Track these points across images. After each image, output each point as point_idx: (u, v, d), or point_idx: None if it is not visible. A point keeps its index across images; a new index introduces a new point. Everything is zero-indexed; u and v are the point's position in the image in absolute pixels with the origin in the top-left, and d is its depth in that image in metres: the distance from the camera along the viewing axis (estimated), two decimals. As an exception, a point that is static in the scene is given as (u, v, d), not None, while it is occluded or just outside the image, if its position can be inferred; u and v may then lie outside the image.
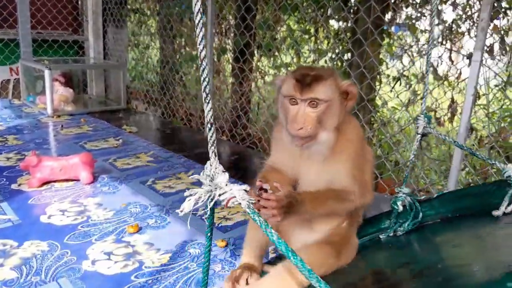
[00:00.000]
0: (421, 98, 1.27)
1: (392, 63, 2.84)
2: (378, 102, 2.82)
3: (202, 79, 0.65)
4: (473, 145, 2.48)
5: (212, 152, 0.69)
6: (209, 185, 0.70)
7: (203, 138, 3.14)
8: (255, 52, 3.62)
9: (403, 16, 2.95)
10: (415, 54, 2.75)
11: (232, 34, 3.97)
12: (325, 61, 3.04)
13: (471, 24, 2.68)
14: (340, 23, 3.14)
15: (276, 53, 3.53)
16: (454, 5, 2.73)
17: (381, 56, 2.90)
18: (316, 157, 1.03)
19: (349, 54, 2.95)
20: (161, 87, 4.25)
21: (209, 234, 0.80)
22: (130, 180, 2.15)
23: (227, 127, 3.49)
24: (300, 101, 0.99)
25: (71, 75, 4.03)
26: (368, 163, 1.08)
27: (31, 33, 4.03)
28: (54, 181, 2.04)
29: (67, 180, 2.06)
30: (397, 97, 2.51)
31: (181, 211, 0.73)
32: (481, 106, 2.48)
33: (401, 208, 1.18)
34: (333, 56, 3.05)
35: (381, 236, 1.21)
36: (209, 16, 3.04)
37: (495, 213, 1.13)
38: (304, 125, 0.96)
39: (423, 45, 2.73)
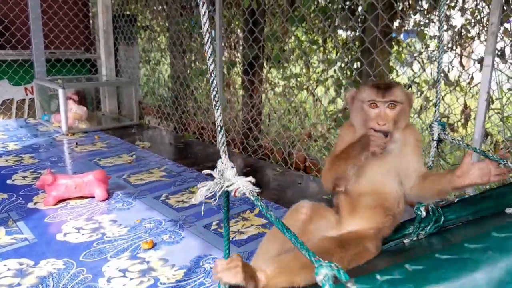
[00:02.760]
0: (434, 105, 1.31)
1: (402, 70, 2.83)
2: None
3: (211, 86, 0.78)
4: (489, 150, 2.44)
5: (223, 151, 0.80)
6: (219, 178, 0.80)
7: (215, 151, 3.16)
8: (264, 64, 3.64)
9: (411, 23, 2.94)
10: (425, 61, 2.73)
11: (241, 47, 4.00)
12: (334, 71, 3.04)
13: (481, 28, 2.66)
14: (348, 32, 3.14)
15: (286, 64, 3.54)
16: (463, 10, 2.71)
17: (390, 63, 2.88)
18: (386, 154, 1.16)
19: (359, 63, 2.94)
20: (172, 102, 4.29)
21: (227, 218, 0.88)
22: (144, 195, 2.16)
23: (239, 139, 3.50)
24: (380, 104, 1.14)
25: (85, 93, 4.11)
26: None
27: (45, 53, 4.12)
28: (69, 199, 2.07)
29: (82, 198, 2.09)
30: (409, 104, 2.48)
31: (194, 200, 0.82)
32: (495, 111, 2.44)
33: (424, 213, 1.21)
34: (342, 65, 3.05)
35: (405, 241, 1.23)
36: (218, 30, 3.07)
37: (508, 210, 1.14)
38: (387, 121, 1.11)
39: (433, 51, 2.72)
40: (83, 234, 1.72)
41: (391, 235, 1.23)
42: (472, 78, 2.58)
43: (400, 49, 2.98)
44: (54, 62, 4.28)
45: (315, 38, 3.27)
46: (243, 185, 0.79)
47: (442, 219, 1.22)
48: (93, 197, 2.09)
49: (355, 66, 2.94)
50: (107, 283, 1.37)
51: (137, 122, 4.05)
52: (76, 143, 3.22)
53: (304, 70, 3.39)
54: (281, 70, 3.57)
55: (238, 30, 4.06)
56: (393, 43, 2.94)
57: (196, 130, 4.01)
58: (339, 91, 2.91)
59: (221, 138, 0.80)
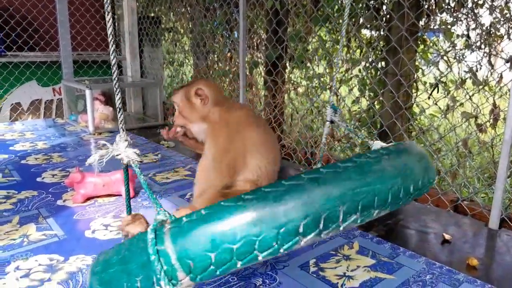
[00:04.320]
0: (330, 91, 1.62)
1: (429, 69, 2.78)
2: (416, 110, 2.77)
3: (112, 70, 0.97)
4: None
5: (121, 128, 1.01)
6: (112, 148, 1.00)
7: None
8: (287, 64, 3.63)
9: (438, 22, 2.89)
10: (452, 60, 2.68)
11: (263, 48, 4.01)
12: (359, 70, 3.01)
13: (511, 26, 2.59)
14: (373, 31, 3.11)
15: (308, 64, 3.53)
16: (491, 8, 2.65)
17: (416, 63, 2.84)
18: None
19: (383, 63, 2.91)
20: (195, 102, 4.32)
21: (127, 182, 1.14)
22: (170, 194, 2.19)
23: (262, 139, 3.50)
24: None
25: (110, 94, 4.18)
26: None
27: (72, 54, 4.21)
28: (97, 197, 2.11)
29: (109, 196, 2.13)
30: (436, 104, 2.45)
31: (87, 163, 1.05)
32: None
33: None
34: (367, 65, 3.02)
35: None
36: (241, 31, 3.09)
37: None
38: (175, 118, 1.41)
39: (460, 50, 2.67)
40: (111, 231, 1.76)
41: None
42: (501, 77, 2.52)
43: (426, 48, 2.93)
44: (81, 64, 4.38)
45: (339, 37, 3.24)
46: (129, 155, 0.97)
47: None
48: (120, 195, 2.13)
49: (379, 65, 2.91)
50: (135, 279, 1.40)
51: (161, 123, 4.10)
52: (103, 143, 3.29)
53: (327, 70, 3.37)
54: (304, 70, 3.56)
55: (261, 31, 4.07)
56: (419, 42, 2.90)
57: (219, 130, 4.03)
58: (363, 91, 2.89)
59: (120, 116, 1.00)
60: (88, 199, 2.09)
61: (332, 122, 1.47)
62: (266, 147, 1.38)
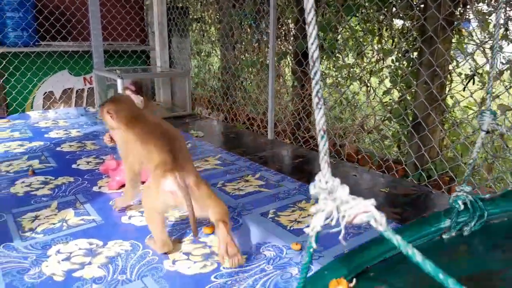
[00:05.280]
0: (487, 93, 1.22)
1: (464, 60, 2.71)
2: (449, 101, 2.71)
3: (313, 83, 0.58)
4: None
5: (325, 162, 0.57)
6: (332, 200, 0.57)
7: (265, 142, 3.17)
8: (317, 54, 3.60)
9: (474, 11, 2.81)
10: (488, 51, 2.61)
11: (292, 38, 3.98)
12: (392, 61, 2.96)
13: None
14: (405, 21, 3.05)
15: (338, 54, 3.49)
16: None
17: (451, 53, 2.78)
18: None
19: (415, 53, 2.85)
20: (223, 93, 4.35)
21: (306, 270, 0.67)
22: (201, 183, 2.21)
23: (289, 130, 3.50)
24: None
25: (141, 83, 4.23)
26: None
27: (103, 44, 4.28)
28: (131, 184, 2.15)
29: (143, 182, 2.16)
30: (471, 96, 2.39)
31: (312, 230, 0.58)
32: None
33: (462, 206, 1.11)
34: (399, 55, 2.97)
35: (444, 236, 1.13)
36: (271, 21, 3.07)
37: None
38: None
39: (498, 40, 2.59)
40: (146, 218, 1.79)
41: (424, 228, 1.14)
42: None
43: (462, 38, 2.86)
44: (111, 53, 4.45)
45: (371, 27, 3.20)
46: (372, 209, 0.54)
47: (486, 214, 1.12)
48: (154, 183, 2.16)
49: (412, 56, 2.86)
50: (172, 265, 1.43)
51: (189, 112, 4.14)
52: (133, 131, 3.34)
53: (358, 61, 3.33)
54: (333, 60, 3.53)
55: (290, 21, 4.04)
56: (454, 32, 2.83)
57: (246, 120, 4.05)
58: (397, 81, 2.84)
59: (323, 146, 0.58)
60: (123, 186, 2.13)
61: (489, 132, 1.15)
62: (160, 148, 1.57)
